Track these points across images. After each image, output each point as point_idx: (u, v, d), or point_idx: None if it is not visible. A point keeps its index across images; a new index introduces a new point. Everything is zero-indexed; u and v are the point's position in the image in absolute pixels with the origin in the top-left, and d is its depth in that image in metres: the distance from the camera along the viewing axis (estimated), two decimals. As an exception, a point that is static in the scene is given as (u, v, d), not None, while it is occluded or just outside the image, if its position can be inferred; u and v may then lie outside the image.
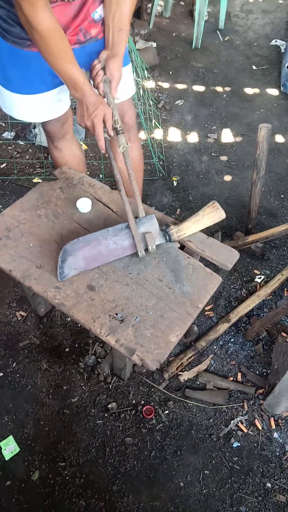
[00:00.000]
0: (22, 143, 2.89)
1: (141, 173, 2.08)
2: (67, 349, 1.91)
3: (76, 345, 1.93)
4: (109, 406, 1.76)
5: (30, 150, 2.86)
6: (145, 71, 3.14)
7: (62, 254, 1.38)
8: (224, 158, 2.91)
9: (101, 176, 2.73)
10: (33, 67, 1.47)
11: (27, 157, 2.82)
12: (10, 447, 1.64)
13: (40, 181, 2.57)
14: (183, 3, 4.50)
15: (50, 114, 1.66)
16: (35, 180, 2.65)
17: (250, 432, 1.73)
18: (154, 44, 3.85)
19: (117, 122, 1.45)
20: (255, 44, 4.01)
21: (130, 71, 1.70)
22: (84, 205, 1.57)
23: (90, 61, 1.53)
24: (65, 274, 1.38)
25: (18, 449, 1.64)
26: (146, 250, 1.42)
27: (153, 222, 1.45)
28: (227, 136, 3.08)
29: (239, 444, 1.70)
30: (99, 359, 1.87)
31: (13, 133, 2.93)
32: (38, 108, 1.61)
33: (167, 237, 1.47)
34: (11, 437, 1.66)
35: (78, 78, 1.38)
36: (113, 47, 1.47)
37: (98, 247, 1.41)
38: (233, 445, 1.70)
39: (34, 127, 2.83)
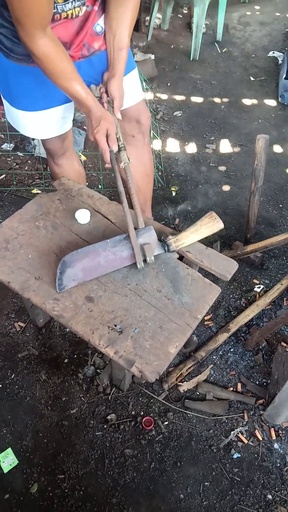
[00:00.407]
0: (21, 154, 2.91)
1: (151, 177, 2.08)
2: (66, 360, 1.91)
3: (75, 356, 1.92)
4: (109, 417, 1.75)
5: (29, 161, 2.88)
6: (144, 83, 3.17)
7: (60, 266, 1.38)
8: (222, 168, 2.93)
9: (100, 186, 2.74)
10: (37, 83, 1.48)
11: (26, 168, 2.84)
12: (8, 460, 1.63)
13: (39, 192, 2.59)
14: (181, 16, 4.56)
15: (54, 132, 1.68)
16: (34, 191, 2.67)
17: (250, 443, 1.72)
18: (153, 56, 3.89)
19: (119, 139, 1.48)
20: (253, 55, 4.05)
21: (136, 75, 1.72)
22: (83, 216, 1.58)
23: (97, 73, 1.55)
24: (63, 286, 1.38)
25: (16, 462, 1.63)
26: (145, 261, 1.43)
27: (151, 233, 1.46)
28: (225, 146, 3.10)
29: (240, 455, 1.69)
30: (98, 370, 1.87)
31: (12, 145, 2.95)
32: (42, 125, 1.63)
33: (166, 247, 1.48)
34: (9, 449, 1.65)
35: (80, 94, 1.40)
36: (113, 67, 1.51)
37: (97, 259, 1.41)
38: (234, 456, 1.69)
39: (33, 139, 2.86)
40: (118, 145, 1.47)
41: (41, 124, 1.64)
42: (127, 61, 1.55)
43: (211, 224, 1.50)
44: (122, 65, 1.51)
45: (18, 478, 1.60)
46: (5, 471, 1.61)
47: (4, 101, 1.64)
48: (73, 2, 1.30)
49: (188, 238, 1.49)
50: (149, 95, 3.48)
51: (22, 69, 1.45)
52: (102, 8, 1.44)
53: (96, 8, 1.40)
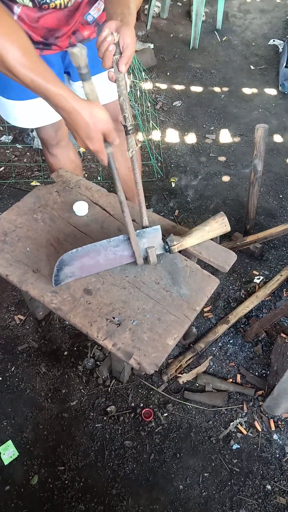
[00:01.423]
0: (20, 146, 2.89)
1: (139, 174, 2.07)
2: (65, 353, 1.91)
3: (75, 348, 1.93)
4: (108, 409, 1.75)
5: (28, 154, 2.86)
6: (143, 73, 3.14)
7: (58, 263, 1.35)
8: (222, 158, 2.91)
9: (99, 178, 2.72)
10: None
11: (25, 160, 2.82)
12: (9, 452, 1.63)
13: (38, 184, 2.58)
14: (180, 4, 4.49)
15: (44, 120, 1.66)
16: (33, 183, 2.65)
17: (249, 434, 1.72)
18: (152, 46, 3.85)
19: (127, 119, 1.19)
20: (253, 44, 4.00)
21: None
22: (81, 208, 1.57)
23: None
24: (60, 281, 1.38)
25: (17, 454, 1.64)
26: (146, 259, 1.42)
27: (157, 234, 1.42)
28: (225, 136, 3.08)
29: (239, 446, 1.70)
30: (97, 362, 1.87)
31: (10, 137, 2.93)
32: (31, 113, 1.60)
33: (167, 249, 1.45)
34: (10, 442, 1.66)
35: (54, 86, 1.06)
36: (123, 19, 1.15)
37: (96, 257, 1.39)
38: (233, 447, 1.69)
39: (32, 130, 2.83)
40: (126, 126, 1.21)
41: (33, 113, 1.60)
42: None
43: (220, 230, 1.47)
44: (133, 17, 1.19)
45: (18, 470, 1.61)
46: (6, 463, 1.62)
47: None
48: None
49: (193, 243, 1.47)
50: (148, 85, 3.44)
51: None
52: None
53: None
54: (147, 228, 1.41)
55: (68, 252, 1.36)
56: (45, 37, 1.39)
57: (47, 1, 1.26)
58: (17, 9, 1.29)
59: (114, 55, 1.08)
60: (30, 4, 1.25)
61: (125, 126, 1.21)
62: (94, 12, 1.43)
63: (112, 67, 1.10)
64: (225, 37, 4.06)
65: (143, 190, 1.39)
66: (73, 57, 1.01)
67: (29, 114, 1.61)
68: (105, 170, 2.76)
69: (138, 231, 1.40)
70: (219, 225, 1.46)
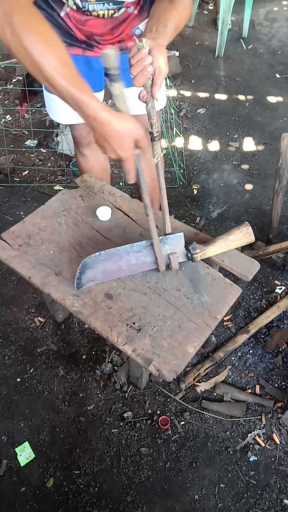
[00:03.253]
0: (44, 151, 2.93)
1: (163, 180, 2.08)
2: (84, 356, 1.92)
3: (93, 352, 1.93)
4: (125, 415, 1.75)
5: (52, 158, 2.90)
6: (167, 80, 3.15)
7: (81, 266, 1.37)
8: (245, 166, 2.89)
9: (121, 183, 2.74)
10: None
11: (49, 164, 2.86)
12: (25, 453, 1.64)
13: (61, 188, 2.60)
14: (206, 12, 4.51)
15: (75, 118, 1.68)
16: (57, 187, 2.68)
17: (267, 446, 1.69)
18: (177, 53, 3.87)
19: (153, 125, 1.19)
20: (279, 52, 3.98)
21: (163, 85, 1.71)
22: (104, 213, 1.58)
23: (120, 69, 1.55)
24: (81, 285, 1.39)
25: (33, 456, 1.64)
26: (167, 266, 1.42)
27: (180, 241, 1.41)
28: (249, 144, 3.06)
29: (256, 458, 1.67)
30: (115, 367, 1.87)
31: (35, 141, 2.98)
32: (64, 109, 1.64)
33: (189, 257, 1.45)
34: (26, 443, 1.67)
35: (86, 95, 1.05)
36: (157, 37, 1.14)
37: (119, 262, 1.40)
38: (250, 459, 1.66)
39: (57, 135, 2.87)
40: (152, 133, 1.20)
41: (67, 108, 1.63)
42: None
43: (244, 240, 1.45)
44: (167, 38, 1.17)
45: (34, 472, 1.62)
46: (22, 464, 1.62)
47: (43, 88, 1.66)
48: (106, 4, 1.29)
49: (216, 252, 1.46)
50: (173, 92, 3.45)
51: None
52: (144, 13, 1.42)
53: (136, 11, 1.40)
54: (170, 235, 1.41)
55: (91, 255, 1.37)
56: (88, 37, 1.42)
57: (89, 9, 1.29)
58: (66, 8, 1.34)
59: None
60: (74, 7, 1.30)
61: (151, 133, 1.20)
62: (143, 26, 1.45)
63: (143, 87, 1.10)
64: (251, 45, 4.05)
65: (159, 197, 1.38)
66: (105, 58, 1.01)
67: (67, 109, 1.64)
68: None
69: (161, 237, 1.39)
70: (243, 235, 1.45)
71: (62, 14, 1.36)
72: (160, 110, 1.63)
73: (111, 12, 1.33)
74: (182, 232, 1.42)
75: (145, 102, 1.14)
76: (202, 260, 1.50)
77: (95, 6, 1.29)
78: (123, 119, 1.10)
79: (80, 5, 1.28)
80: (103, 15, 1.34)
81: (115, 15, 1.36)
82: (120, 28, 1.42)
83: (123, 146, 1.12)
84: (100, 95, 1.66)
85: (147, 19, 1.43)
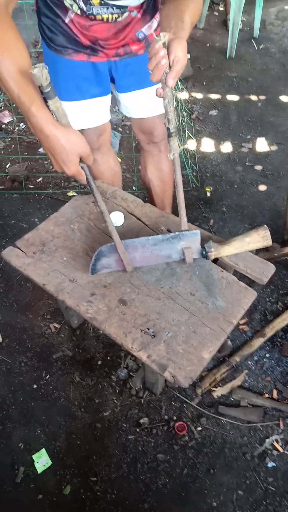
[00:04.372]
0: (57, 156, 2.95)
1: (170, 185, 2.08)
2: (99, 362, 1.91)
3: (109, 358, 1.93)
4: (141, 421, 1.74)
5: (65, 163, 2.91)
6: (179, 83, 3.15)
7: (97, 253, 1.40)
8: (259, 167, 2.86)
9: (134, 188, 2.74)
10: (71, 75, 1.52)
11: (62, 170, 2.87)
12: (42, 460, 1.64)
13: (75, 194, 2.62)
14: (217, 14, 4.49)
15: (87, 123, 1.69)
16: (70, 193, 2.70)
17: (286, 452, 1.66)
18: (188, 55, 3.85)
19: (170, 121, 1.17)
20: (291, 51, 3.94)
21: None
22: (117, 218, 1.58)
23: (124, 73, 1.55)
24: (96, 271, 1.43)
25: (50, 463, 1.64)
26: (183, 260, 1.44)
27: (196, 238, 1.42)
28: (262, 145, 3.03)
29: (275, 464, 1.64)
30: (131, 373, 1.86)
31: (48, 147, 2.99)
32: (78, 115, 1.65)
33: (204, 254, 1.44)
34: (43, 450, 1.67)
35: (35, 105, 1.06)
36: (176, 32, 1.12)
37: (133, 253, 1.42)
38: (268, 465, 1.64)
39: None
40: (169, 129, 1.19)
41: (79, 114, 1.65)
42: None
43: (260, 243, 1.44)
44: (186, 32, 1.15)
45: (51, 479, 1.62)
46: (39, 471, 1.62)
47: None
48: (110, 8, 1.30)
49: (230, 252, 1.45)
50: (184, 95, 3.44)
51: (59, 60, 1.49)
52: (147, 16, 1.44)
53: (139, 15, 1.41)
54: (186, 231, 1.41)
55: (107, 244, 1.40)
56: (93, 42, 1.44)
57: (93, 13, 1.31)
58: (70, 14, 1.36)
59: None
60: (79, 12, 1.31)
61: (168, 129, 1.19)
62: (146, 29, 1.46)
63: (160, 81, 1.08)
64: (262, 45, 4.02)
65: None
66: (34, 77, 1.00)
67: (76, 115, 1.65)
68: (140, 181, 2.77)
69: (177, 233, 1.41)
70: (261, 238, 1.43)
71: (66, 20, 1.38)
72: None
73: (115, 16, 1.34)
74: (198, 230, 1.42)
75: (161, 97, 1.12)
76: (215, 262, 1.49)
77: (100, 10, 1.30)
78: (69, 135, 1.10)
79: (85, 9, 1.29)
80: (107, 19, 1.35)
81: (118, 19, 1.37)
82: (124, 32, 1.43)
83: (67, 162, 1.13)
84: (107, 99, 1.67)
85: (151, 21, 1.44)
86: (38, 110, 1.05)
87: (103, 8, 1.30)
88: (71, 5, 1.31)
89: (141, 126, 1.80)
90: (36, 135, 1.12)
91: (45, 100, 1.05)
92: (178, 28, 1.13)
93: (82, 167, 1.19)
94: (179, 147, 1.23)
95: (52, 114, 1.09)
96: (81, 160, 1.18)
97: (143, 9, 1.41)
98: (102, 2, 1.27)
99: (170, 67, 1.05)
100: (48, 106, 1.07)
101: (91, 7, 1.29)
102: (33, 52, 3.69)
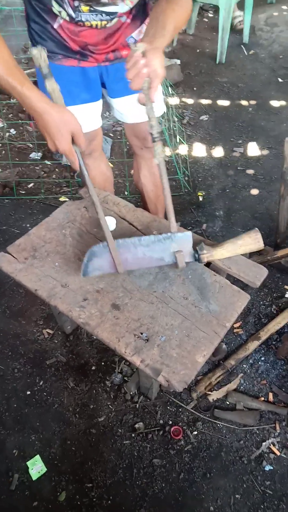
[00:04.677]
0: (49, 163, 2.95)
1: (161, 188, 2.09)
2: (93, 367, 1.90)
3: (103, 363, 1.92)
4: (136, 426, 1.73)
5: (56, 170, 2.92)
6: (169, 88, 3.16)
7: (89, 254, 1.39)
8: (250, 171, 2.88)
9: (126, 193, 2.74)
10: (62, 80, 1.51)
11: (53, 176, 2.87)
12: (37, 467, 1.63)
13: (67, 200, 2.61)
14: (206, 20, 4.54)
15: None
16: (62, 199, 2.69)
17: (283, 455, 1.66)
18: (178, 61, 3.89)
19: (153, 127, 1.22)
20: (281, 56, 3.98)
21: (160, 90, 1.72)
22: (109, 223, 1.57)
23: (115, 78, 1.56)
24: (88, 273, 1.41)
25: (45, 469, 1.63)
26: (176, 264, 1.43)
27: (187, 240, 1.43)
28: (253, 149, 3.05)
29: (272, 468, 1.63)
30: (125, 378, 1.85)
31: (40, 154, 2.99)
32: None
33: (197, 257, 1.45)
34: (38, 457, 1.66)
35: (25, 88, 1.12)
36: (154, 40, 1.14)
37: (125, 255, 1.41)
38: (265, 469, 1.63)
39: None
40: (152, 134, 1.22)
41: None
42: None
43: (252, 246, 1.45)
44: (164, 40, 1.17)
45: (46, 486, 1.60)
46: (34, 478, 1.61)
47: None
48: (99, 15, 1.31)
49: (223, 255, 1.46)
50: (175, 100, 3.46)
51: (49, 66, 1.48)
52: (137, 22, 1.45)
53: (129, 21, 1.41)
54: (178, 233, 1.41)
55: (99, 244, 1.39)
56: (82, 48, 1.44)
57: (82, 20, 1.31)
58: (59, 20, 1.36)
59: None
60: (68, 19, 1.32)
61: (151, 134, 1.22)
62: (136, 35, 1.47)
63: (141, 89, 1.12)
64: (252, 51, 4.06)
65: (163, 201, 1.42)
66: (34, 58, 1.10)
67: None
68: (132, 186, 2.78)
69: (169, 234, 1.41)
70: (252, 240, 1.44)
71: (55, 26, 1.38)
72: (160, 116, 1.66)
73: (104, 22, 1.35)
74: (190, 232, 1.42)
75: (143, 105, 1.17)
76: (208, 266, 1.49)
77: (88, 17, 1.31)
78: (61, 111, 1.17)
79: (74, 15, 1.30)
80: (96, 25, 1.35)
81: (108, 25, 1.37)
82: (113, 38, 1.43)
83: (59, 137, 1.18)
84: (98, 104, 1.67)
85: (141, 26, 1.45)
86: (29, 90, 1.12)
87: (92, 15, 1.30)
88: (60, 12, 1.32)
89: (135, 131, 1.80)
90: (31, 115, 1.18)
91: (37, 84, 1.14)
92: (156, 36, 1.16)
93: (75, 150, 1.25)
94: (163, 152, 1.26)
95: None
96: (74, 143, 1.23)
97: (133, 15, 1.41)
98: (92, 9, 1.28)
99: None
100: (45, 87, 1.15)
101: (79, 13, 1.29)
102: (22, 58, 3.70)
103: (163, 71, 1.13)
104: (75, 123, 1.19)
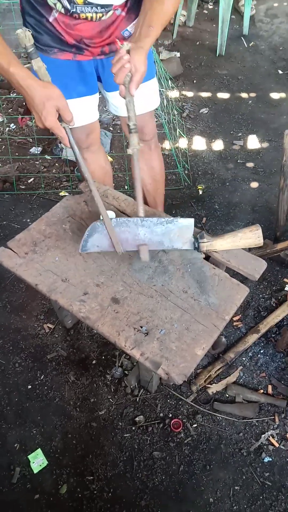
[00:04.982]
0: (48, 157, 2.94)
1: (161, 183, 2.08)
2: (94, 361, 1.91)
3: (103, 357, 1.93)
4: (137, 419, 1.74)
5: (56, 164, 2.91)
6: (169, 81, 3.15)
7: (90, 228, 1.39)
8: (250, 164, 2.87)
9: (126, 187, 2.74)
10: (57, 74, 1.51)
11: (53, 171, 2.87)
12: (38, 460, 1.64)
13: (67, 194, 2.61)
14: (206, 12, 4.50)
15: (76, 122, 1.69)
16: (62, 193, 2.69)
17: (282, 447, 1.67)
18: (178, 54, 3.86)
19: (131, 118, 1.31)
20: (281, 48, 3.96)
21: (154, 85, 1.71)
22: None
23: (110, 72, 1.55)
24: (87, 248, 1.42)
25: (46, 462, 1.64)
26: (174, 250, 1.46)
27: (189, 227, 1.43)
28: (253, 142, 3.04)
29: (271, 459, 1.65)
30: (126, 371, 1.86)
31: (40, 148, 2.99)
32: None
33: (196, 246, 1.45)
34: (39, 450, 1.67)
35: (13, 66, 1.20)
36: (139, 40, 1.24)
37: (126, 234, 1.41)
38: (264, 460, 1.65)
39: (60, 142, 2.88)
40: (129, 126, 1.31)
41: None
42: (147, 68, 1.37)
43: (252, 240, 1.45)
44: (149, 40, 1.25)
45: (47, 479, 1.62)
46: (35, 471, 1.62)
47: None
48: (94, 7, 1.30)
49: (222, 246, 1.46)
50: (175, 93, 3.45)
51: (45, 59, 1.48)
52: (132, 15, 1.44)
53: (124, 13, 1.41)
54: (181, 219, 1.42)
55: (101, 219, 1.40)
56: (78, 41, 1.44)
57: (77, 12, 1.31)
58: (54, 13, 1.37)
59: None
60: (63, 11, 1.31)
61: (128, 126, 1.32)
62: (132, 28, 1.46)
63: (123, 83, 1.23)
64: (252, 43, 4.03)
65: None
66: (19, 38, 1.18)
67: None
68: (131, 180, 2.77)
69: (171, 218, 1.42)
70: (253, 234, 1.44)
71: (50, 19, 1.38)
72: (155, 109, 1.70)
73: (99, 15, 1.34)
74: (193, 219, 1.42)
75: (124, 97, 1.27)
76: (207, 260, 1.49)
77: (83, 9, 1.30)
78: (46, 87, 1.24)
79: (69, 7, 1.29)
80: (92, 18, 1.35)
81: (103, 18, 1.37)
82: (108, 31, 1.43)
83: (45, 113, 1.24)
84: (95, 98, 1.67)
85: (135, 20, 1.45)
86: (16, 68, 1.20)
87: (87, 7, 1.30)
88: (55, 4, 1.31)
89: None
90: (19, 92, 1.25)
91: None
92: (141, 36, 1.25)
93: (64, 128, 1.31)
94: (138, 144, 1.33)
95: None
96: (61, 120, 1.30)
97: (128, 7, 1.41)
98: (86, 1, 1.27)
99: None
100: (32, 66, 1.23)
101: (75, 5, 1.29)
102: (22, 52, 3.68)
103: (144, 68, 1.22)
104: (59, 98, 1.25)
